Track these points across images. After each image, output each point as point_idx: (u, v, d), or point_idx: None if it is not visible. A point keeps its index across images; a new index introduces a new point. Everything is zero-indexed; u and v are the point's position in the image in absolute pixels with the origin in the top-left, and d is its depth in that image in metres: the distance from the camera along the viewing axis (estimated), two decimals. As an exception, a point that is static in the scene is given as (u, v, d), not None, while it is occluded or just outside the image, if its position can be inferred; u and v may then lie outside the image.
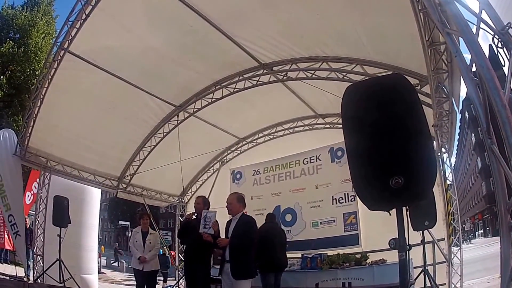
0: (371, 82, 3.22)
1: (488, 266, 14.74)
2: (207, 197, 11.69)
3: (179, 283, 10.98)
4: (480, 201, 53.22)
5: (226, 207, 6.06)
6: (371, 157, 2.82)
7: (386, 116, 2.75)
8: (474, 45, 3.03)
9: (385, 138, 2.75)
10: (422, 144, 2.70)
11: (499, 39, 3.09)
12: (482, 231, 52.54)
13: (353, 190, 3.07)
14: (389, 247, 7.90)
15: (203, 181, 14.03)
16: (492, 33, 3.14)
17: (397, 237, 2.89)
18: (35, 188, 11.76)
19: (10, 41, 20.63)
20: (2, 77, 20.08)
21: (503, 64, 3.12)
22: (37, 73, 17.14)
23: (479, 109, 3.05)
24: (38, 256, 10.08)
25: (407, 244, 2.97)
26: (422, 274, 7.12)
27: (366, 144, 2.85)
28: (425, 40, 5.20)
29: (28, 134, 9.75)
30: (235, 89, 9.81)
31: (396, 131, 2.73)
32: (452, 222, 8.25)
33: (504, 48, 3.09)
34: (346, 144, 3.03)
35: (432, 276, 7.45)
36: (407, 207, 3.06)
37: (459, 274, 8.21)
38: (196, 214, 6.87)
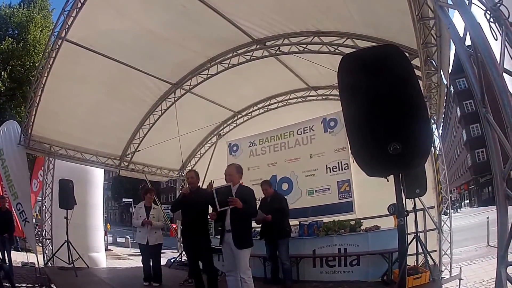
0: (365, 52, 3.31)
1: (475, 235, 15.21)
2: (205, 169, 12.20)
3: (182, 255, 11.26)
4: (466, 172, 54.08)
5: (226, 179, 6.06)
6: (369, 124, 2.95)
7: (381, 84, 2.86)
8: (468, 16, 3.11)
9: (382, 106, 2.87)
10: (417, 111, 2.84)
11: (491, 15, 3.08)
12: (468, 201, 53.47)
13: (351, 157, 3.20)
14: (381, 214, 8.19)
15: (201, 154, 14.40)
16: (484, 8, 3.14)
17: (394, 203, 3.07)
18: (41, 176, 12.05)
19: (9, 38, 21.03)
20: (3, 72, 20.48)
21: (496, 38, 3.12)
22: (36, 64, 17.28)
23: (473, 80, 3.12)
24: (47, 240, 10.42)
25: (405, 210, 3.13)
26: (414, 242, 7.24)
27: (363, 112, 2.97)
28: (415, 15, 5.27)
29: (31, 123, 10.03)
30: (230, 65, 9.98)
31: (391, 98, 2.85)
32: (441, 191, 8.45)
33: (496, 23, 3.10)
34: (344, 112, 3.15)
35: (424, 242, 7.63)
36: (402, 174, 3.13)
37: (449, 241, 8.48)
38: (191, 189, 6.86)
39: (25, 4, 23.02)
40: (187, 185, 7.19)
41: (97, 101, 10.42)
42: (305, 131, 11.53)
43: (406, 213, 3.18)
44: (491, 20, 3.09)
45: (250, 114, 13.19)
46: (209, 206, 6.09)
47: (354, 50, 7.43)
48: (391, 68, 2.91)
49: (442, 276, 7.92)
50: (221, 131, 13.89)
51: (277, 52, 9.18)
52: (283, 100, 12.31)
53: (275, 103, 12.51)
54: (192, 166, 14.01)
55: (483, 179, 45.64)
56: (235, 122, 13.61)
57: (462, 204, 54.29)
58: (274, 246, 7.91)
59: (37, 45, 21.18)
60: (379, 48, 3.47)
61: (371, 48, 3.40)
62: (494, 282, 3.06)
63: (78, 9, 7.73)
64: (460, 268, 8.69)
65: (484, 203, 41.47)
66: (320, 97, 11.50)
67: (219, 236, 6.05)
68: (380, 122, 2.90)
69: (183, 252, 9.98)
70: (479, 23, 3.10)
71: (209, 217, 6.24)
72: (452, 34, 3.42)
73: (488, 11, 3.10)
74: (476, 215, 27.25)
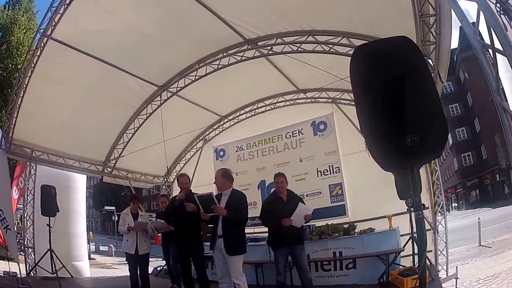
0: (378, 43, 3.17)
1: (465, 236, 15.51)
2: (191, 175, 11.95)
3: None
4: (452, 176, 54.73)
5: (214, 183, 6.11)
6: (384, 117, 2.81)
7: (396, 75, 2.74)
8: (487, 8, 3.14)
9: (398, 97, 2.73)
10: (432, 100, 2.72)
11: (501, 7, 3.18)
12: (456, 204, 54.05)
13: (366, 150, 3.07)
14: (375, 217, 8.35)
15: (186, 160, 14.14)
16: (494, 1, 3.22)
17: (408, 197, 2.89)
18: (21, 182, 11.68)
19: None
20: (-15, 76, 20.05)
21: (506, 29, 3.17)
22: (19, 66, 17.33)
23: (488, 70, 3.19)
24: (29, 249, 10.08)
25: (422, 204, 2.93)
26: (410, 243, 7.36)
27: (377, 105, 2.84)
28: (417, 12, 5.30)
29: (12, 126, 9.57)
30: (219, 66, 9.71)
31: (407, 90, 2.72)
32: (436, 191, 8.61)
33: (506, 16, 3.19)
34: (358, 106, 3.03)
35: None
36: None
37: (444, 241, 8.62)
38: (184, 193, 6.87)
39: (10, 6, 22.93)
40: (180, 190, 7.18)
41: (80, 104, 10.01)
42: (294, 135, 11.59)
43: (423, 206, 3.00)
44: (501, 12, 3.21)
45: (237, 118, 13.00)
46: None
47: (349, 49, 7.39)
48: (405, 59, 2.78)
49: (439, 275, 8.05)
50: (207, 136, 13.68)
51: (270, 52, 8.97)
52: (271, 104, 12.15)
53: (263, 106, 12.34)
54: (177, 172, 13.66)
55: (470, 183, 47.40)
56: (221, 126, 13.41)
57: (450, 207, 55.31)
58: (288, 254, 6.73)
59: (20, 47, 21.11)
60: (391, 39, 3.33)
61: (383, 40, 3.25)
62: (491, 280, 3.03)
63: (66, 5, 7.42)
64: (456, 267, 8.89)
65: (472, 205, 42.65)
66: (309, 100, 11.41)
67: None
68: (395, 114, 2.75)
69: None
70: (495, 13, 3.14)
71: (202, 217, 6.04)
72: (465, 26, 3.41)
73: (497, 4, 3.22)
74: (465, 217, 28.71)
